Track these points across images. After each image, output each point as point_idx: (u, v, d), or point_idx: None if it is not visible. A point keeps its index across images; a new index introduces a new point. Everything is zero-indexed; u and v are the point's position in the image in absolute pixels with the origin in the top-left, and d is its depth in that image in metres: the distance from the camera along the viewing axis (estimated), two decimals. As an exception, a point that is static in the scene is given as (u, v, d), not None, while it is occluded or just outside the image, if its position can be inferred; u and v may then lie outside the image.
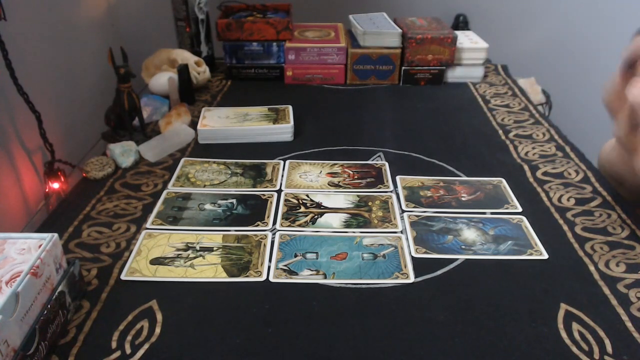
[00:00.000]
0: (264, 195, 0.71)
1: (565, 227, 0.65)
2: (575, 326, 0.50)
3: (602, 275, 0.56)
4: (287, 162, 0.79)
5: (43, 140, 0.72)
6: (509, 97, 1.05)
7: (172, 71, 1.02)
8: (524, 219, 0.66)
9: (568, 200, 0.70)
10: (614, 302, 0.53)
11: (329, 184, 0.74)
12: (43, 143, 0.72)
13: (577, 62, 1.85)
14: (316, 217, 0.66)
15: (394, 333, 0.49)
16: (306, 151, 0.83)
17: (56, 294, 0.48)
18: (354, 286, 0.55)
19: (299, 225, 0.65)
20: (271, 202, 0.69)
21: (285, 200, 0.70)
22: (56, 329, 0.47)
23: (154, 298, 0.53)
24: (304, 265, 0.58)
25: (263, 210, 0.67)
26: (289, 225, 0.64)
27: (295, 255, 0.59)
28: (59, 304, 0.48)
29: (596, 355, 0.47)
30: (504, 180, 0.74)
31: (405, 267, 0.57)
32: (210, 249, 0.60)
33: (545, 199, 0.70)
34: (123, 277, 0.56)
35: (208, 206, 0.68)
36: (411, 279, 0.56)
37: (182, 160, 0.80)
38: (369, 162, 0.80)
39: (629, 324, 0.50)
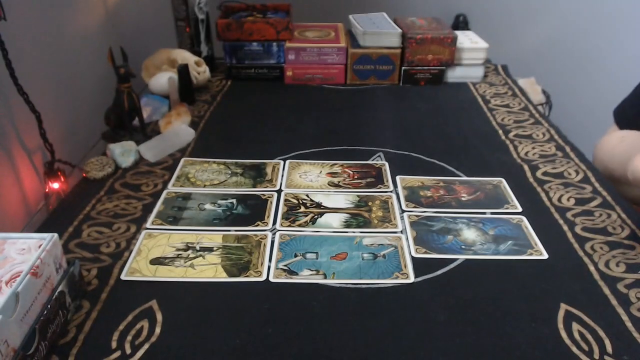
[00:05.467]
0: (264, 195, 0.71)
1: (565, 227, 0.65)
2: (575, 326, 0.50)
3: (602, 275, 0.56)
4: (287, 162, 0.79)
5: (43, 140, 0.72)
6: (509, 97, 1.05)
7: (172, 71, 1.02)
8: (524, 219, 0.66)
9: (568, 200, 0.70)
10: (614, 302, 0.53)
11: (329, 184, 0.74)
12: (43, 143, 0.72)
13: (577, 62, 1.85)
14: (316, 217, 0.66)
15: (394, 333, 0.49)
16: (306, 151, 0.83)
17: (56, 294, 0.48)
18: (354, 286, 0.55)
19: (299, 225, 0.65)
20: (271, 202, 0.69)
21: (285, 200, 0.70)
22: (56, 329, 0.47)
23: (154, 298, 0.53)
24: (304, 265, 0.58)
25: (263, 210, 0.67)
26: (289, 225, 0.64)
27: (295, 255, 0.59)
28: (59, 304, 0.48)
29: (596, 355, 0.47)
30: (504, 180, 0.74)
31: (405, 267, 0.57)
32: (210, 249, 0.60)
33: (545, 199, 0.70)
34: (123, 277, 0.56)
35: (208, 206, 0.68)
36: (411, 279, 0.56)
37: (182, 160, 0.80)
38: (369, 162, 0.80)
39: (629, 324, 0.50)
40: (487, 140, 0.87)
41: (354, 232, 0.64)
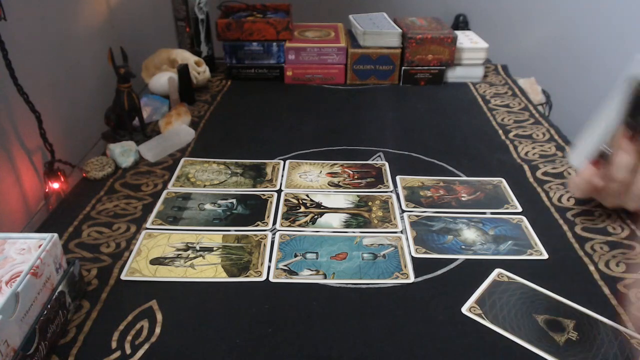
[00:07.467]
0: (264, 195, 0.71)
1: (565, 227, 0.65)
2: (575, 326, 0.50)
3: (602, 275, 0.56)
4: (287, 162, 0.79)
5: (43, 140, 0.72)
6: (509, 97, 1.05)
7: (172, 71, 1.02)
8: (524, 219, 0.66)
9: (568, 200, 0.70)
10: (614, 302, 0.53)
11: (329, 184, 0.74)
12: (43, 143, 0.72)
13: (577, 62, 1.84)
14: (316, 217, 0.66)
15: (394, 333, 0.49)
16: (306, 151, 0.83)
17: (56, 294, 0.48)
18: (354, 286, 0.55)
19: (299, 225, 0.65)
20: (271, 202, 0.69)
21: (285, 200, 0.70)
22: (56, 329, 0.47)
23: (154, 298, 0.53)
24: (304, 265, 0.58)
25: (263, 210, 0.67)
26: (289, 225, 0.64)
27: (295, 255, 0.59)
28: (59, 304, 0.48)
29: (596, 355, 0.47)
30: (504, 180, 0.74)
31: (405, 267, 0.57)
32: (210, 249, 0.60)
33: (545, 198, 0.70)
34: (123, 277, 0.56)
35: (208, 206, 0.68)
36: (411, 279, 0.56)
37: (182, 160, 0.80)
38: (369, 162, 0.80)
39: (629, 324, 0.50)
40: (487, 140, 0.87)
41: (354, 232, 0.64)
